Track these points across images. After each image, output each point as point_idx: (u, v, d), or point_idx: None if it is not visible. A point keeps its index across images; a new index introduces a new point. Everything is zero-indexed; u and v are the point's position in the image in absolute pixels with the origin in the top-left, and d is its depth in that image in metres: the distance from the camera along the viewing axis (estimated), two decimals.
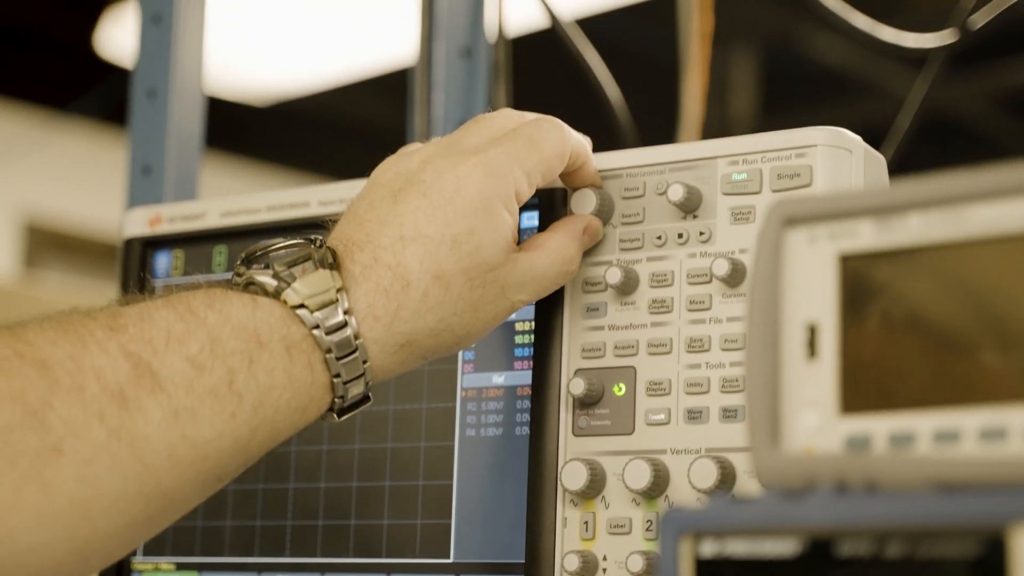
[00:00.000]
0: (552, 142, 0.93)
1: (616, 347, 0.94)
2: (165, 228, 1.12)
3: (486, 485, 0.98)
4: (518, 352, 0.98)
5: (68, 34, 4.48)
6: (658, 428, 0.92)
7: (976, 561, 0.60)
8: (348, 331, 0.86)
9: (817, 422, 0.69)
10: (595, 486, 0.93)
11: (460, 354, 1.00)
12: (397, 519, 1.00)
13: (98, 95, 4.23)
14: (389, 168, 0.93)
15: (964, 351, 0.66)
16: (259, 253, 0.89)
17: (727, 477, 0.89)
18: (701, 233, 0.93)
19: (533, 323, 0.97)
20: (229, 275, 1.05)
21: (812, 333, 0.70)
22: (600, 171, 0.97)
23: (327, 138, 5.42)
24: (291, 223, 1.07)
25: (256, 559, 1.05)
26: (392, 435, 1.01)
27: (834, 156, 0.91)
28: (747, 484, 0.88)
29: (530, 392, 0.96)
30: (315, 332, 0.86)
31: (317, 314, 0.86)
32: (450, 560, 0.98)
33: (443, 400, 1.00)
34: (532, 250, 0.93)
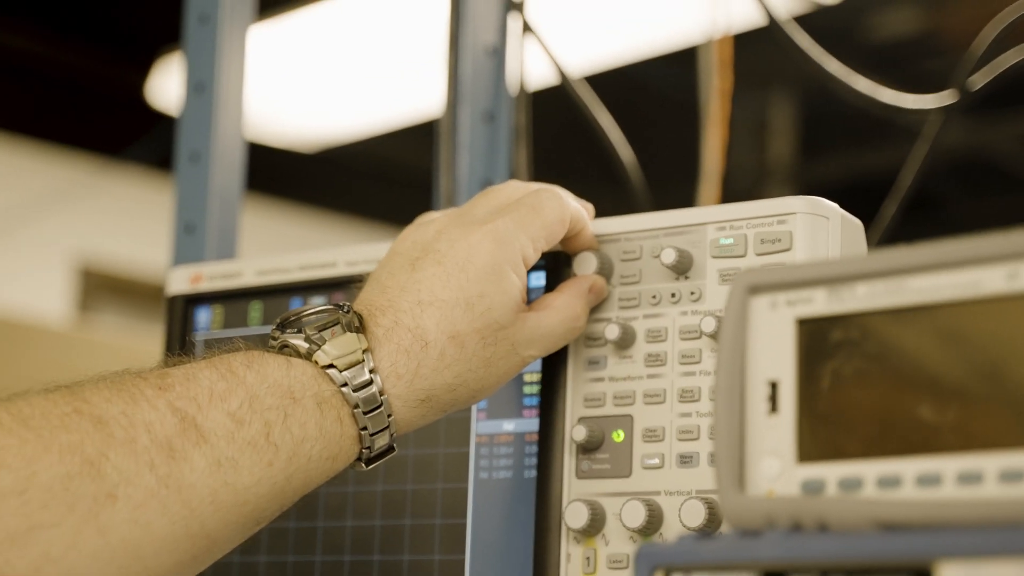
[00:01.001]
0: (553, 209, 1.01)
1: (615, 397, 1.03)
2: (205, 286, 1.21)
3: (498, 524, 1.06)
4: (526, 401, 1.07)
5: (120, 85, 4.60)
6: (653, 471, 1.01)
7: None
8: (374, 388, 0.95)
9: (777, 469, 0.78)
10: (596, 525, 1.01)
11: None
12: (417, 555, 1.09)
13: (149, 143, 4.34)
14: (407, 238, 1.02)
15: (905, 406, 0.75)
16: (292, 319, 0.98)
17: (714, 517, 0.97)
18: (692, 293, 1.02)
19: (540, 374, 1.06)
20: (265, 328, 1.14)
21: (773, 389, 0.79)
22: (601, 235, 1.05)
23: (370, 183, 5.52)
24: (320, 282, 1.16)
25: None
26: (412, 477, 1.10)
27: (812, 223, 0.99)
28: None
29: (537, 438, 1.05)
30: (343, 389, 0.94)
31: (345, 373, 0.95)
32: None
33: (458, 445, 1.08)
34: (540, 310, 1.02)
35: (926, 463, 0.73)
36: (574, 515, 1.01)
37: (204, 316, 1.22)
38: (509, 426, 1.07)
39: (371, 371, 0.95)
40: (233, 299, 1.20)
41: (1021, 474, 0.71)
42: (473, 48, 1.46)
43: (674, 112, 3.06)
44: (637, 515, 0.99)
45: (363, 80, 3.91)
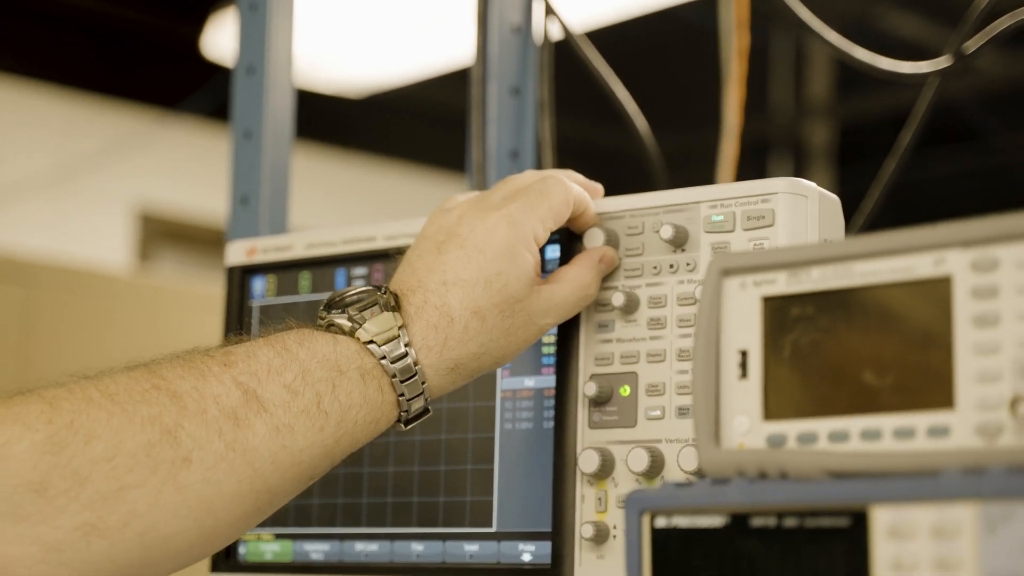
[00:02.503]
0: (558, 193, 1.15)
1: (622, 356, 1.16)
2: (260, 258, 1.35)
3: (520, 468, 1.20)
4: (544, 360, 1.20)
5: (176, 38, 4.73)
6: (655, 422, 1.14)
7: (846, 530, 0.82)
8: (408, 359, 1.09)
9: (747, 426, 0.91)
10: (606, 469, 1.15)
11: None
12: (450, 497, 1.23)
13: (204, 93, 4.48)
14: (433, 222, 1.16)
15: (852, 372, 0.88)
16: (336, 300, 1.12)
17: None
18: (688, 264, 1.15)
19: (556, 337, 1.19)
20: (312, 295, 1.28)
21: (743, 357, 0.92)
22: (608, 212, 1.18)
23: (417, 127, 5.63)
24: (361, 254, 1.29)
25: (338, 529, 1.28)
26: (445, 428, 1.24)
27: (793, 201, 1.12)
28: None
29: (554, 393, 1.19)
30: (383, 362, 1.08)
31: (384, 347, 1.09)
32: (493, 529, 1.20)
33: (486, 400, 1.22)
34: (554, 282, 1.15)
35: (869, 421, 0.87)
36: (587, 461, 1.15)
37: (259, 285, 1.36)
38: (530, 383, 1.21)
39: (406, 345, 1.09)
40: (285, 269, 1.34)
41: (944, 430, 0.84)
42: (500, 27, 1.59)
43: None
44: (641, 460, 1.13)
45: (406, 27, 4.03)
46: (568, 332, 1.18)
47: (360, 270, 1.30)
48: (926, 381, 0.85)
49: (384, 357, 1.08)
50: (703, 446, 0.91)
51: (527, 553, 1.19)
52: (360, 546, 1.26)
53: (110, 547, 0.98)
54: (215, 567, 1.33)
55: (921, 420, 0.85)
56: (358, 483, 1.27)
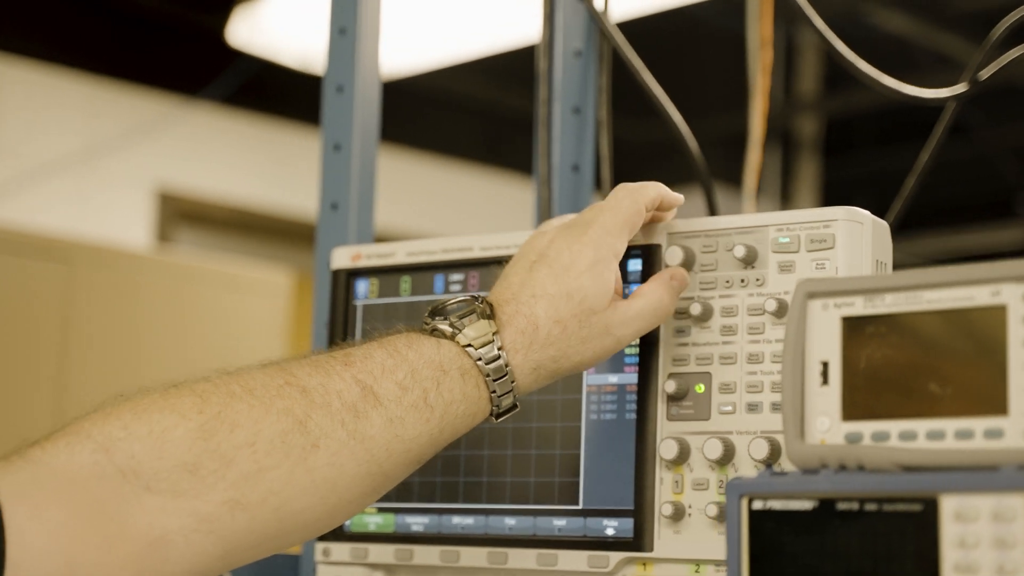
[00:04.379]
0: (628, 205, 1.32)
1: (697, 359, 1.34)
2: (364, 262, 1.52)
3: (604, 454, 1.37)
4: (627, 360, 1.38)
5: (200, 27, 4.87)
6: (727, 416, 1.32)
7: (919, 513, 0.99)
8: (501, 361, 1.26)
9: (827, 425, 1.09)
10: (683, 456, 1.32)
11: None
12: (541, 477, 1.40)
13: (226, 79, 4.63)
14: (529, 244, 1.33)
15: (918, 382, 1.06)
16: (440, 307, 1.29)
17: (775, 451, 1.28)
18: (757, 279, 1.32)
19: (638, 340, 1.37)
20: (412, 298, 1.45)
21: (825, 367, 1.10)
22: (686, 232, 1.35)
23: (438, 114, 5.79)
24: (458, 262, 1.47)
25: (437, 504, 1.45)
26: (536, 417, 1.41)
27: (850, 227, 1.29)
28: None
29: (636, 389, 1.36)
30: (479, 363, 1.26)
31: (481, 350, 1.26)
32: (580, 507, 1.38)
33: (573, 393, 1.40)
34: (632, 298, 1.32)
35: (933, 423, 1.05)
36: (667, 448, 1.32)
37: (363, 287, 1.53)
38: (613, 379, 1.38)
39: (499, 348, 1.26)
40: (387, 273, 1.51)
41: (1000, 432, 1.02)
42: (564, 52, 1.77)
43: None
44: (715, 449, 1.30)
45: (427, 16, 4.19)
46: (648, 336, 1.36)
47: (457, 276, 1.47)
48: (983, 391, 1.03)
49: (480, 359, 1.26)
50: (791, 441, 1.09)
51: (611, 528, 1.36)
52: (457, 519, 1.44)
53: (251, 520, 1.16)
54: (322, 536, 1.50)
55: (979, 424, 1.03)
56: (456, 464, 1.45)
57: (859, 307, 1.09)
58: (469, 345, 1.26)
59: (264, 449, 1.16)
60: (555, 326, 1.27)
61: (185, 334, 3.77)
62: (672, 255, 1.35)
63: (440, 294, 1.48)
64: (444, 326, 1.27)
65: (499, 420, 1.29)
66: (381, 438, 1.21)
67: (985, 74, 1.74)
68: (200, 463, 1.14)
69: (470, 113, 6.16)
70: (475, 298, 1.29)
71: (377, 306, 1.52)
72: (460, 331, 1.26)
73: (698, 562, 1.32)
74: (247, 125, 5.69)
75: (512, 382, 1.27)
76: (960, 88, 1.75)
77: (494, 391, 1.26)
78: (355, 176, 1.71)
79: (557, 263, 1.29)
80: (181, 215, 5.56)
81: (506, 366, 1.26)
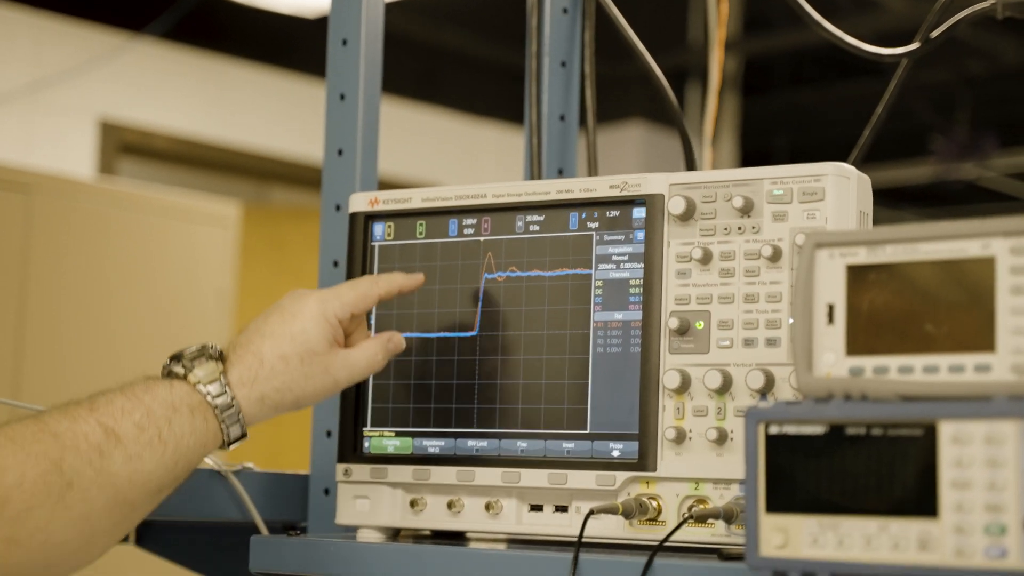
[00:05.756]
0: (365, 287, 1.54)
1: (697, 298, 1.48)
2: (381, 207, 1.65)
3: (609, 384, 1.52)
4: (631, 299, 1.52)
5: None
6: (725, 350, 1.46)
7: (920, 438, 1.15)
8: (227, 396, 1.46)
9: (833, 360, 1.24)
10: (684, 385, 1.47)
11: (592, 296, 1.53)
12: (551, 404, 1.54)
13: (167, 17, 4.70)
14: (275, 304, 1.54)
15: (915, 322, 1.21)
16: (177, 355, 1.48)
17: (770, 382, 1.43)
18: (753, 227, 1.47)
19: (642, 280, 1.51)
20: (426, 240, 1.59)
21: (831, 309, 1.24)
22: (688, 183, 1.50)
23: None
24: (470, 207, 1.60)
25: (452, 429, 1.59)
26: (547, 350, 1.55)
27: (838, 182, 1.44)
28: (783, 388, 1.42)
29: (640, 325, 1.50)
30: (208, 398, 1.46)
31: (209, 387, 1.46)
32: (587, 431, 1.52)
33: (581, 328, 1.54)
34: (352, 349, 1.53)
35: (929, 359, 1.20)
36: (670, 379, 1.47)
37: (379, 229, 1.66)
38: (618, 316, 1.52)
39: (225, 384, 1.47)
40: (403, 217, 1.64)
41: (988, 367, 1.17)
42: (552, 10, 1.90)
43: None
44: (715, 379, 1.45)
45: None
46: (652, 277, 1.50)
47: (470, 220, 1.60)
48: (973, 331, 1.18)
49: (208, 394, 1.46)
50: (801, 373, 1.24)
51: (616, 450, 1.51)
52: (472, 442, 1.58)
53: (25, 555, 1.35)
54: (342, 457, 1.64)
55: (969, 360, 1.18)
56: (470, 392, 1.58)
57: (862, 256, 1.23)
58: (199, 383, 1.46)
59: (30, 489, 1.34)
60: (279, 361, 1.49)
61: (140, 262, 3.87)
62: (675, 204, 1.49)
63: (454, 236, 1.61)
64: (177, 368, 1.48)
65: (230, 447, 1.49)
66: (123, 472, 1.40)
67: (935, 33, 1.89)
68: None
69: (463, 64, 6.30)
70: (206, 346, 1.49)
71: (393, 247, 1.65)
72: (190, 371, 1.47)
73: (697, 480, 1.47)
74: (190, 59, 5.76)
75: (239, 413, 1.47)
76: (914, 47, 1.90)
77: (223, 421, 1.46)
78: (360, 125, 1.83)
79: (288, 311, 1.52)
80: (123, 147, 5.62)
81: (232, 399, 1.47)
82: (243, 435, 1.48)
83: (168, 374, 1.47)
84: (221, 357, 1.48)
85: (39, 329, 3.57)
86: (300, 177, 6.19)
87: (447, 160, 6.67)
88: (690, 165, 1.92)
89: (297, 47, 5.88)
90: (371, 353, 1.53)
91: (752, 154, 6.49)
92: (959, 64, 6.10)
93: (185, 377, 1.46)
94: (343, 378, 1.52)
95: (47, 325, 3.59)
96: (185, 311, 3.88)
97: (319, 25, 5.42)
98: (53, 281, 3.65)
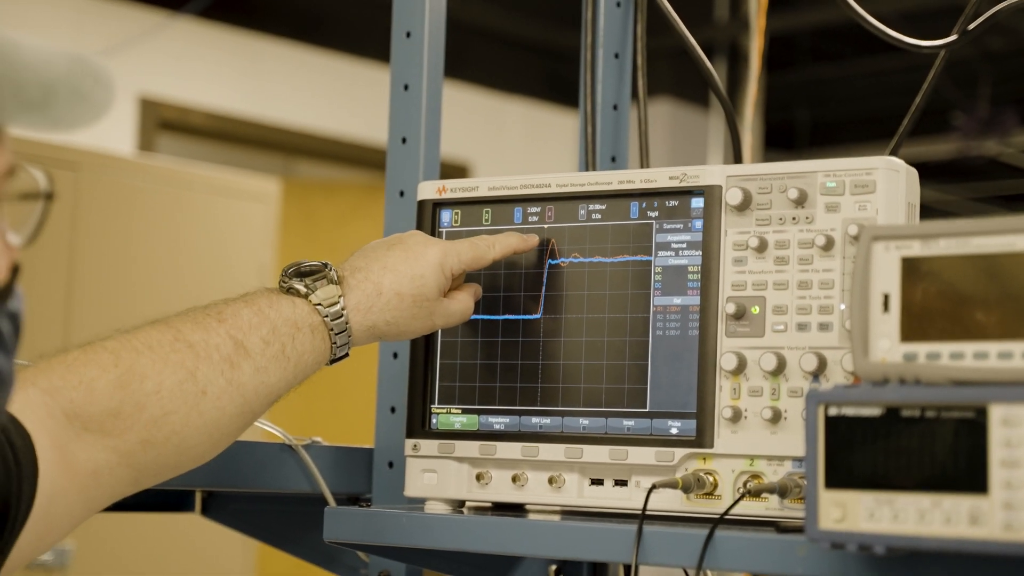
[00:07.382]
0: (479, 247, 1.64)
1: (753, 285, 1.56)
2: (448, 195, 1.73)
3: (669, 365, 1.60)
4: (690, 284, 1.60)
5: None
6: (779, 334, 1.55)
7: (972, 420, 1.23)
8: (343, 319, 1.55)
9: (888, 346, 1.32)
10: (740, 367, 1.55)
11: (652, 282, 1.62)
12: (611, 384, 1.63)
13: None
14: (392, 235, 1.64)
15: (967, 311, 1.29)
16: (294, 270, 1.56)
17: (823, 364, 1.51)
18: (807, 217, 1.55)
19: (700, 267, 1.59)
20: (493, 227, 1.67)
21: (886, 298, 1.33)
22: (745, 175, 1.57)
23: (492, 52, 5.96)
24: (534, 196, 1.68)
25: (517, 407, 1.68)
26: (608, 333, 1.64)
27: (888, 175, 1.52)
28: (835, 370, 1.51)
29: (699, 309, 1.59)
30: (326, 319, 1.54)
31: (328, 309, 1.55)
32: (647, 409, 1.61)
33: (641, 312, 1.62)
34: (451, 300, 1.63)
35: (979, 346, 1.28)
36: (727, 360, 1.55)
37: (447, 216, 1.74)
38: (677, 300, 1.61)
39: (342, 309, 1.55)
40: (469, 205, 1.73)
41: None
42: (606, 2, 1.97)
43: None
44: (771, 361, 1.53)
45: None
46: (709, 263, 1.58)
47: (534, 208, 1.69)
48: (1021, 320, 1.26)
49: (327, 316, 1.55)
50: (858, 358, 1.32)
51: (675, 428, 1.59)
52: (536, 420, 1.66)
53: (158, 455, 1.45)
54: (411, 433, 1.72)
55: (1018, 347, 1.26)
56: (534, 372, 1.67)
57: (916, 249, 1.32)
58: (319, 304, 1.55)
59: (167, 396, 1.43)
60: (395, 297, 1.59)
61: (185, 238, 3.96)
62: (732, 195, 1.57)
63: (519, 223, 1.69)
64: (299, 286, 1.56)
65: (331, 364, 1.58)
66: (251, 384, 1.50)
67: (973, 25, 1.96)
68: (121, 409, 1.41)
69: (527, 50, 6.42)
70: (326, 265, 1.58)
71: (459, 233, 1.73)
72: (313, 291, 1.55)
73: (752, 457, 1.55)
74: (226, 36, 5.84)
75: (349, 336, 1.57)
76: (951, 39, 1.97)
77: (334, 343, 1.56)
78: (424, 114, 1.91)
79: (412, 251, 1.61)
80: (161, 123, 5.71)
81: (347, 324, 1.56)
82: (346, 355, 1.58)
83: (288, 290, 1.55)
84: (340, 280, 1.56)
85: (87, 304, 3.67)
86: (330, 152, 6.28)
87: (474, 136, 6.75)
88: (737, 152, 2.00)
89: (329, 24, 5.97)
90: (467, 305, 1.65)
91: (775, 127, 6.58)
92: (980, 40, 6.17)
93: (307, 296, 1.54)
94: (440, 324, 1.64)
95: (95, 301, 3.68)
96: (228, 286, 3.96)
97: (350, 2, 5.50)
98: (100, 257, 3.75)
